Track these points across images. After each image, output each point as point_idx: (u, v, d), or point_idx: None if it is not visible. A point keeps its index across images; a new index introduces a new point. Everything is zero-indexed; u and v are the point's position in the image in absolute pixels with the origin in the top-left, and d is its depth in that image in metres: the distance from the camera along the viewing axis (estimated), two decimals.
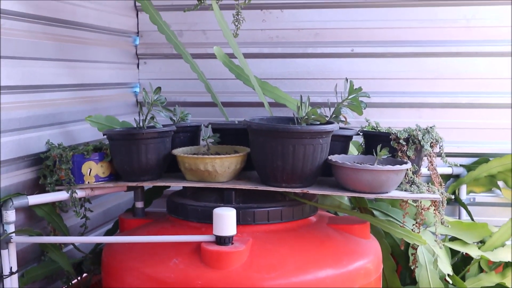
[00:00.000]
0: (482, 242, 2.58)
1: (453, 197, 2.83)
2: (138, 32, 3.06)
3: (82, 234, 2.39)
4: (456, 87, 2.90)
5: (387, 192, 2.00)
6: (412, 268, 2.33)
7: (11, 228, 1.98)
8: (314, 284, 1.89)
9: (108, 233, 2.59)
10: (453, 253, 2.62)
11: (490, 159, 2.83)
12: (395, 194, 2.02)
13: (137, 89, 3.07)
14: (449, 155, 2.76)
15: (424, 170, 2.27)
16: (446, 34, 2.90)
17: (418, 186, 2.08)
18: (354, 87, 2.15)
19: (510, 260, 2.51)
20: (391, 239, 2.56)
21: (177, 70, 3.02)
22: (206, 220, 2.01)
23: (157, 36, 2.91)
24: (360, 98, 2.17)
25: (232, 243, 1.91)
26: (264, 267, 1.90)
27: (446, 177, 2.89)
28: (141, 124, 2.15)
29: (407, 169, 2.05)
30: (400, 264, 2.58)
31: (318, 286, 1.89)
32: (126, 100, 2.98)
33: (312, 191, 2.03)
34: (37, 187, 2.16)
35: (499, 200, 2.90)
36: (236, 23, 2.32)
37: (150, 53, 3.07)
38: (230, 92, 2.94)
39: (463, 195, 2.87)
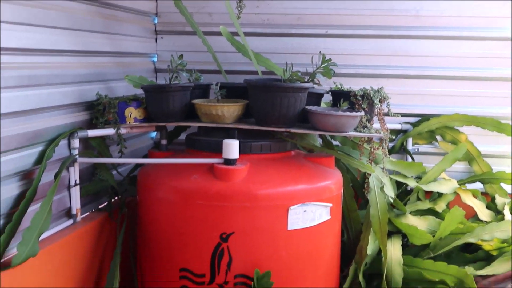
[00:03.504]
0: (420, 178, 3.40)
1: (394, 137, 3.63)
2: (157, 13, 3.80)
3: (118, 164, 3.18)
4: (406, 63, 3.64)
5: (346, 132, 2.79)
6: (365, 193, 3.11)
7: (76, 152, 2.75)
8: (293, 193, 2.68)
9: (137, 166, 3.34)
10: (399, 187, 3.44)
11: (430, 118, 3.60)
12: (352, 133, 2.80)
13: (155, 59, 3.83)
14: (399, 115, 3.53)
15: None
16: (400, 21, 3.62)
17: (369, 129, 2.88)
18: (326, 58, 2.94)
19: (439, 191, 3.34)
20: (352, 175, 3.35)
21: (187, 44, 3.73)
22: (216, 151, 2.75)
23: (172, 17, 3.71)
24: (330, 67, 2.96)
25: (236, 164, 2.68)
26: (258, 181, 2.66)
27: (396, 132, 3.65)
28: (168, 81, 2.92)
29: (361, 117, 2.84)
30: (358, 194, 3.38)
31: (295, 194, 2.68)
32: (146, 66, 3.73)
33: (293, 130, 2.81)
34: (90, 126, 2.91)
35: (437, 150, 3.68)
36: (239, 8, 3.10)
37: (166, 30, 3.80)
38: (230, 63, 3.62)
39: (410, 146, 3.64)
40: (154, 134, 3.82)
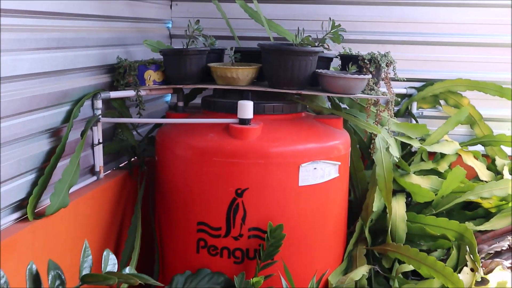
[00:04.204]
0: (424, 140, 3.56)
1: (400, 99, 3.79)
2: None
3: (137, 125, 3.35)
4: (412, 29, 3.76)
5: (354, 94, 2.94)
6: (371, 154, 3.27)
7: (99, 112, 2.90)
8: (303, 151, 2.83)
9: (154, 127, 3.49)
10: (404, 148, 3.60)
11: (434, 83, 3.73)
12: (359, 95, 2.96)
13: (170, 25, 3.97)
14: (405, 80, 3.67)
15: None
16: None
17: (376, 92, 3.03)
18: (335, 24, 3.07)
19: (442, 152, 3.50)
20: (359, 137, 3.51)
21: (201, 10, 3.84)
22: (231, 111, 2.89)
23: None
24: (339, 32, 3.09)
25: (250, 124, 2.83)
26: (271, 139, 2.82)
27: (402, 96, 3.80)
28: (185, 46, 3.07)
29: (369, 80, 2.99)
30: (364, 155, 3.54)
31: (306, 153, 2.84)
32: (162, 32, 3.86)
33: (304, 92, 2.97)
34: (111, 88, 3.07)
35: (440, 114, 3.83)
36: None
37: None
38: (242, 29, 3.73)
39: (414, 110, 3.78)
40: (169, 98, 3.98)
